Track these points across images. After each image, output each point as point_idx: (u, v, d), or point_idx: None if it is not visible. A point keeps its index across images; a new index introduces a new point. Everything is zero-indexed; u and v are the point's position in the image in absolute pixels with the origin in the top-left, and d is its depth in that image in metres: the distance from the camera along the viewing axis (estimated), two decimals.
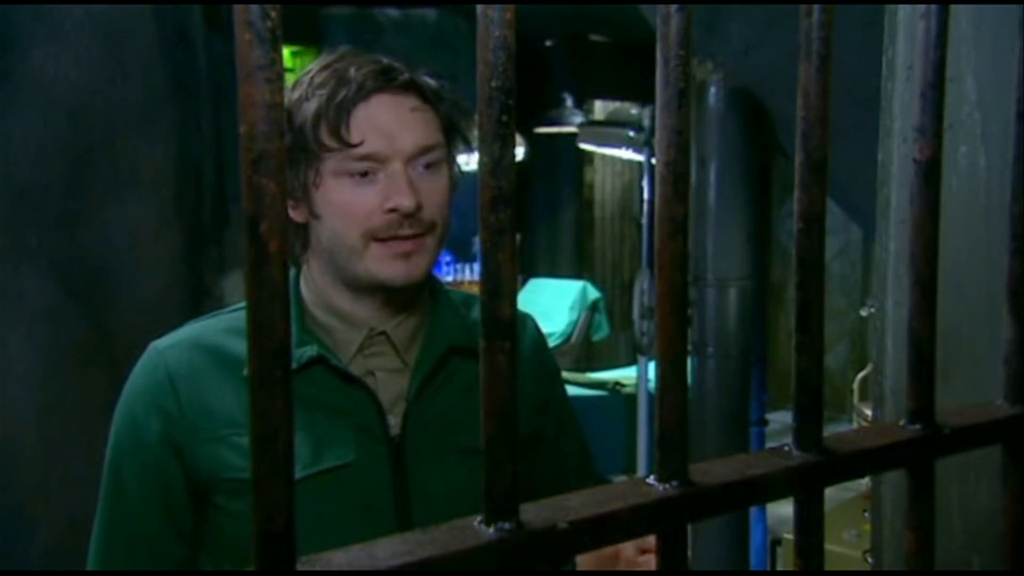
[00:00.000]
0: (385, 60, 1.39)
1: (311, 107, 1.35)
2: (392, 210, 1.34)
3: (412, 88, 1.39)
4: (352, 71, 1.36)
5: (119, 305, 3.60)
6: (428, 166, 1.38)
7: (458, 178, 1.44)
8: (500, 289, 0.51)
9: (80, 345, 3.52)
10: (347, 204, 1.35)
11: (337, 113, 1.34)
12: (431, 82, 1.41)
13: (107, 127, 3.55)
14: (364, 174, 1.35)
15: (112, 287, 3.60)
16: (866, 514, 3.85)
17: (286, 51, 5.19)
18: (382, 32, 5.54)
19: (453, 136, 1.43)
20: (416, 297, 1.46)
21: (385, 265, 1.37)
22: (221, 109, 4.04)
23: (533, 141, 7.88)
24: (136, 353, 1.46)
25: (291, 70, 5.59)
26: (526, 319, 1.63)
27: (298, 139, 1.35)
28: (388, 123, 1.36)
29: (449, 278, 6.92)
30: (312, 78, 1.38)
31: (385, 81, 1.36)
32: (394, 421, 1.42)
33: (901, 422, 0.69)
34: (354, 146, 1.34)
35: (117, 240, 3.58)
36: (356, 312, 1.43)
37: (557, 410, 1.62)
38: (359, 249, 1.36)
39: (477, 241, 0.51)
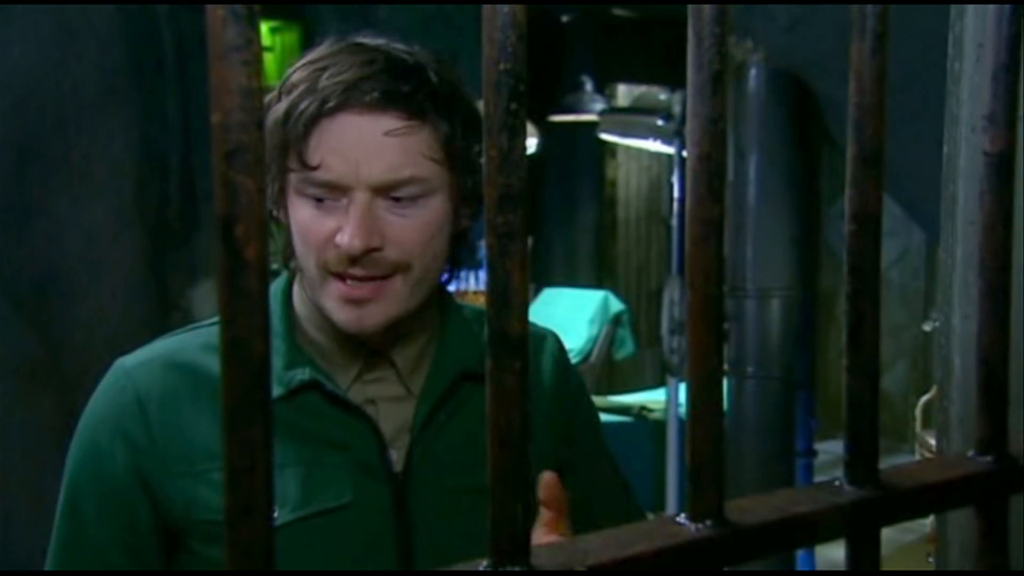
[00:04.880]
0: (374, 64, 1.33)
1: (277, 112, 1.33)
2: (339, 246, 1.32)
3: (392, 105, 1.32)
4: (324, 78, 1.32)
5: (71, 318, 3.61)
6: (406, 198, 1.34)
7: (466, 206, 1.41)
8: (509, 301, 0.52)
9: (25, 363, 3.52)
10: (305, 228, 1.34)
11: (295, 129, 1.31)
12: (434, 86, 1.35)
13: (58, 114, 3.56)
14: (323, 199, 1.33)
15: (63, 297, 3.60)
16: (930, 559, 3.84)
17: (264, 27, 5.20)
18: (375, 7, 5.54)
19: (457, 156, 1.37)
20: (421, 316, 1.45)
21: (336, 308, 1.35)
22: (189, 94, 4.05)
23: (547, 131, 7.87)
24: (91, 373, 1.46)
25: (270, 49, 5.61)
26: (546, 337, 1.61)
27: (268, 143, 1.33)
28: (353, 147, 1.31)
29: (451, 288, 6.92)
30: (291, 75, 1.35)
31: (353, 97, 1.31)
32: (396, 456, 1.41)
33: (969, 453, 0.69)
34: (312, 169, 1.32)
35: (70, 243, 3.59)
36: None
37: (585, 438, 1.61)
38: (317, 281, 1.35)
39: (483, 246, 0.51)
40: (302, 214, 1.34)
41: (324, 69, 1.33)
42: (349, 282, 1.33)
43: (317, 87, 1.31)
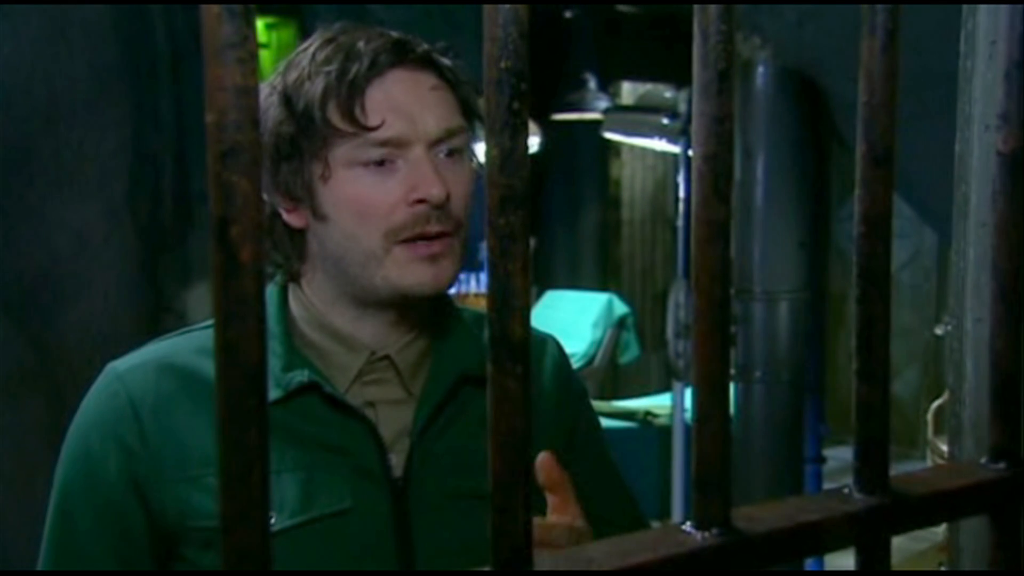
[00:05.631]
0: (395, 33, 1.41)
1: (317, 87, 1.35)
2: (419, 201, 1.35)
3: (429, 64, 1.40)
4: (361, 44, 1.37)
5: (62, 322, 3.61)
6: (451, 153, 1.40)
7: (478, 171, 1.44)
8: (511, 304, 0.52)
9: (15, 368, 3.52)
10: (364, 198, 1.36)
11: (350, 91, 1.34)
12: (447, 60, 1.43)
13: (49, 113, 3.56)
14: (381, 163, 1.36)
15: (54, 299, 3.60)
16: (942, 567, 3.84)
17: (260, 23, 5.19)
18: (372, 5, 5.54)
19: (473, 122, 1.45)
20: (427, 316, 1.46)
21: (408, 271, 1.37)
22: (183, 92, 4.05)
23: (550, 130, 7.87)
24: (82, 378, 1.46)
25: (266, 46, 5.60)
26: (546, 341, 1.62)
27: (302, 125, 1.36)
28: (408, 103, 1.37)
29: (451, 290, 6.92)
30: (313, 54, 1.38)
31: (401, 55, 1.38)
32: (396, 460, 1.41)
33: (982, 460, 0.69)
34: (372, 129, 1.35)
35: (60, 244, 3.59)
36: (357, 333, 1.43)
37: (588, 445, 1.61)
38: (378, 253, 1.37)
39: (484, 247, 0.51)
40: (357, 187, 1.37)
41: (354, 40, 1.38)
42: (418, 244, 1.37)
43: (359, 52, 1.37)
